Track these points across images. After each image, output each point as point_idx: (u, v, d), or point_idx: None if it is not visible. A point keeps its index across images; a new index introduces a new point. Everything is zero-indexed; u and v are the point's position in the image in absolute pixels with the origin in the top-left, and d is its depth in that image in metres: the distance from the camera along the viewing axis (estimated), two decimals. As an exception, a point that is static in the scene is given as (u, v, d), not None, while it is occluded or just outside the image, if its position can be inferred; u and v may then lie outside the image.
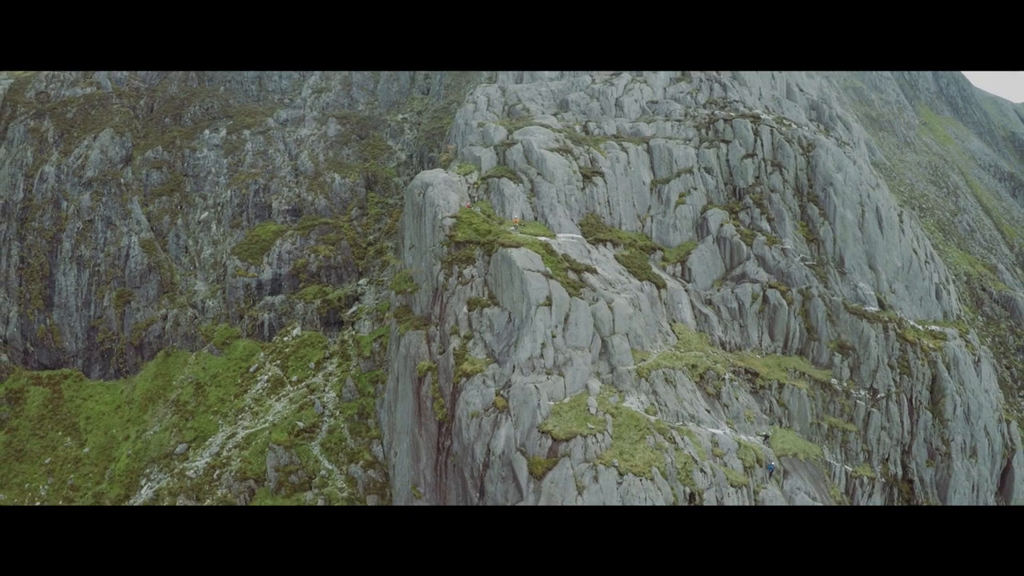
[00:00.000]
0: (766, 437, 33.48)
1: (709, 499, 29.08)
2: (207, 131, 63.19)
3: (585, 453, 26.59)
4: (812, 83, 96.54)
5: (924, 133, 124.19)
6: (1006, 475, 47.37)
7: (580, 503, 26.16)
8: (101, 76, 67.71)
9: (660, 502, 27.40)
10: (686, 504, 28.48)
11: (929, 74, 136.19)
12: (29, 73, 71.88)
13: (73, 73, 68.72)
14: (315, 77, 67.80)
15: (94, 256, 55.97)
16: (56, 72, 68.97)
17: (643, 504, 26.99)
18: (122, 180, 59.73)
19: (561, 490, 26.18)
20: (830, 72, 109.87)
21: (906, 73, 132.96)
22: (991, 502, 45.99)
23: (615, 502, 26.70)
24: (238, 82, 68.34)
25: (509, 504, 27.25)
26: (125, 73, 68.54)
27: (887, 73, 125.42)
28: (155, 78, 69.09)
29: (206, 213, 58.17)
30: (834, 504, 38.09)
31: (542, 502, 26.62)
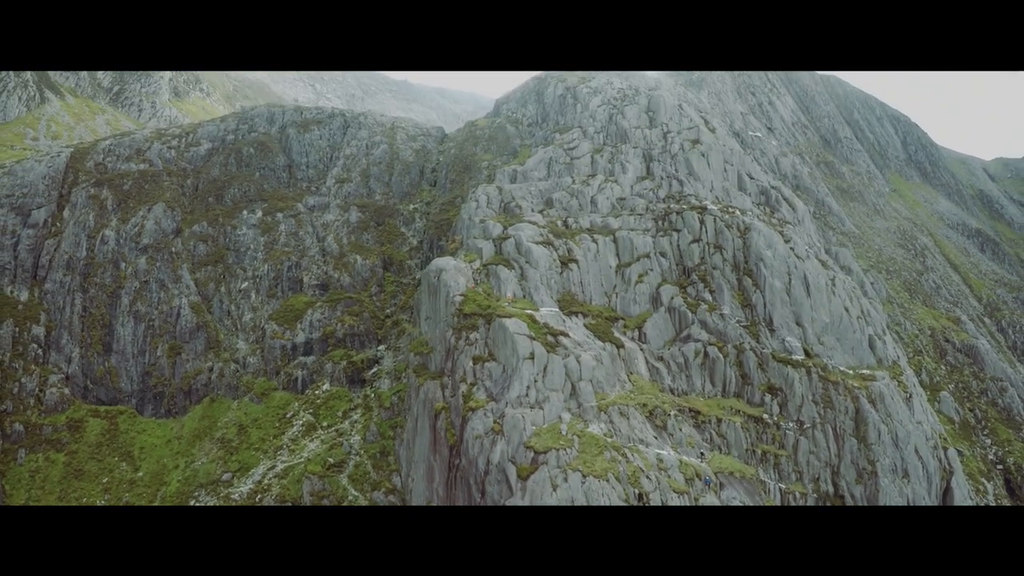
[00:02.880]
0: (702, 454, 47.49)
1: (655, 500, 42.86)
2: (245, 212, 79.48)
3: (558, 461, 40.74)
4: (786, 161, 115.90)
5: (894, 199, 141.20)
6: (947, 495, 59.96)
7: (555, 497, 40.03)
8: (153, 155, 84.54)
9: (615, 498, 41.28)
10: (638, 504, 42.16)
11: (898, 142, 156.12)
12: (87, 144, 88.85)
13: (127, 149, 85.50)
14: (337, 168, 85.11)
15: (149, 312, 70.57)
16: (112, 147, 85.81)
17: (601, 501, 40.83)
18: (173, 249, 75.31)
19: (541, 487, 40.16)
20: (804, 151, 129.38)
21: (876, 144, 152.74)
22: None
23: (580, 498, 40.59)
24: (270, 169, 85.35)
25: (503, 500, 41.08)
26: (173, 153, 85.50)
27: (858, 145, 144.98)
28: (199, 161, 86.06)
29: (246, 283, 73.55)
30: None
31: (527, 498, 40.50)
